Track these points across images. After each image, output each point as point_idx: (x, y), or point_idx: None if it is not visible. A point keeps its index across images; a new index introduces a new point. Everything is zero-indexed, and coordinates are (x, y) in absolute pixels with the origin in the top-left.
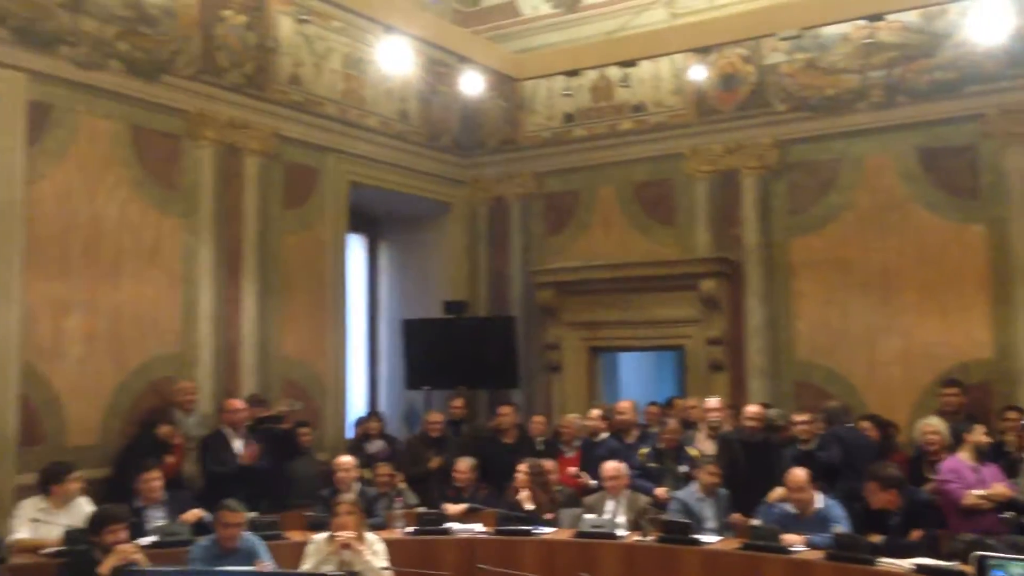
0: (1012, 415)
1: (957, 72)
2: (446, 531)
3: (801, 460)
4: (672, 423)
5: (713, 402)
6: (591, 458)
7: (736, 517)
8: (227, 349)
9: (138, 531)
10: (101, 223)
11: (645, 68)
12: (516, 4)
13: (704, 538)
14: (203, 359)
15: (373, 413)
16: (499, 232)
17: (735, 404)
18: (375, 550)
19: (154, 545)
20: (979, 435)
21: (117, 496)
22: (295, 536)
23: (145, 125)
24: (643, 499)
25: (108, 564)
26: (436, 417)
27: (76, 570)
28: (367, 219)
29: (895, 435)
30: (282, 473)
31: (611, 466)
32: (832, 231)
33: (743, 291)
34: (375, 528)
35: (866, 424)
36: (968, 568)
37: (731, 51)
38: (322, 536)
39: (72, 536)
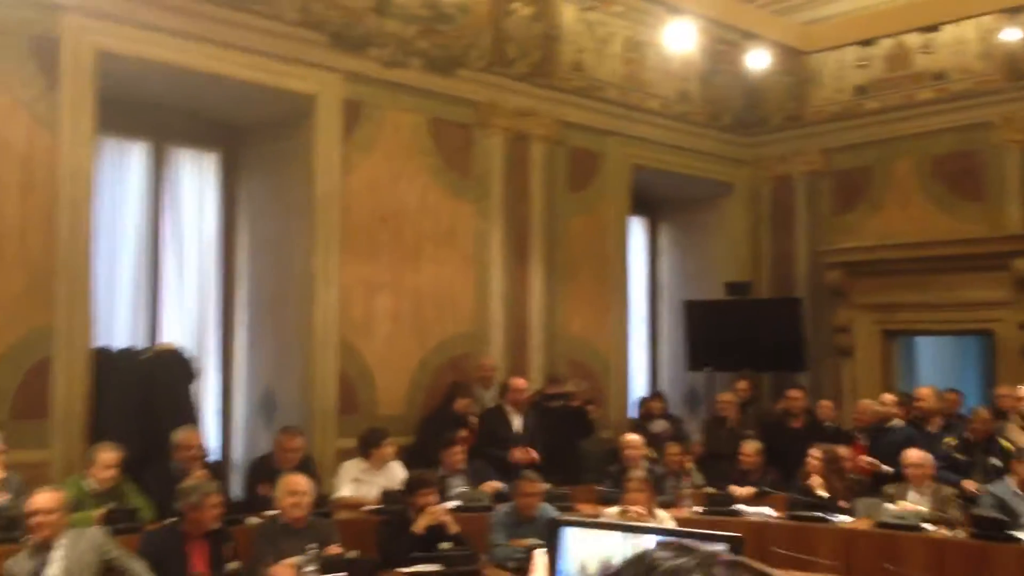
0: None
1: None
2: (735, 512)
3: None
4: (981, 412)
5: None
6: (881, 445)
7: None
8: (516, 328)
9: (442, 496)
10: (404, 209)
11: (947, 32)
12: None
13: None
14: (495, 338)
15: (656, 393)
16: (783, 211)
17: None
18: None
19: (458, 509)
20: None
21: (419, 462)
22: (586, 509)
23: (442, 117)
24: (948, 491)
25: (421, 523)
26: (728, 397)
27: (393, 527)
28: (648, 201)
29: None
30: (572, 450)
31: (915, 454)
32: None
33: None
34: (663, 506)
35: None
36: None
37: None
38: (614, 510)
39: (389, 496)
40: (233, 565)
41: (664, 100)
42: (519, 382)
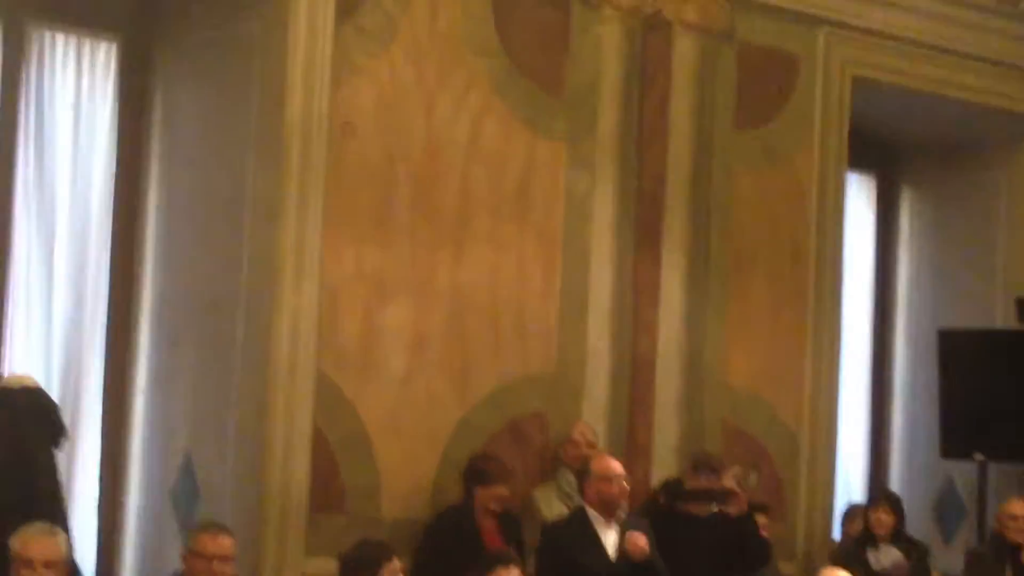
0: None
1: None
2: None
3: None
4: None
5: None
6: None
7: None
8: (632, 371)
9: None
10: (440, 151)
11: None
12: None
13: None
14: (594, 386)
15: (883, 497)
16: None
17: None
18: None
19: None
20: None
21: None
22: None
23: None
24: None
25: None
26: (1022, 510)
27: None
28: (878, 148)
29: None
30: None
31: None
32: None
33: None
34: None
35: None
36: None
37: None
38: None
39: None
40: None
41: None
42: (609, 465)
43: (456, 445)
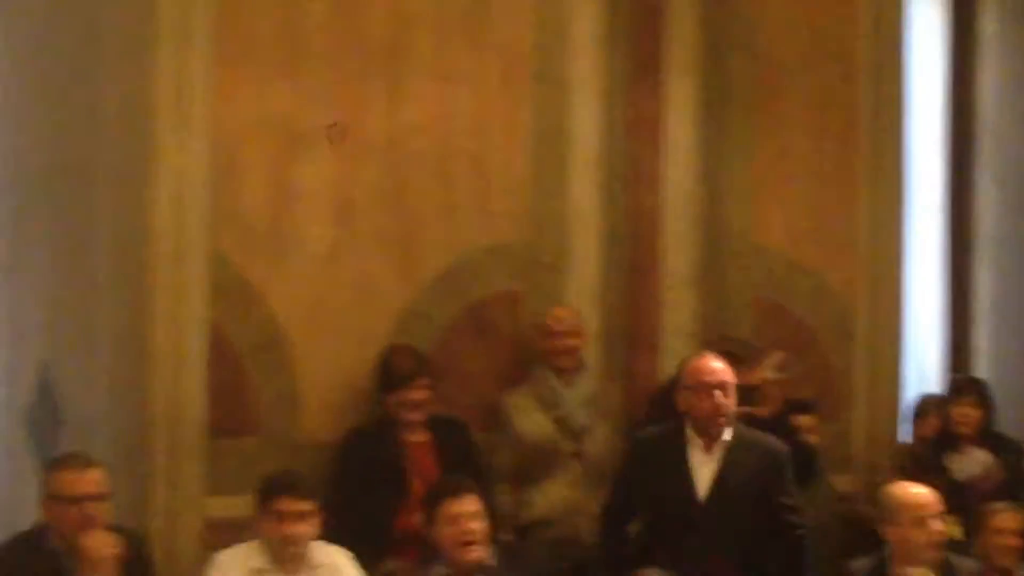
0: None
1: None
2: None
3: None
4: None
5: None
6: None
7: None
8: (630, 232)
9: None
10: None
11: None
12: None
13: None
14: (579, 256)
15: (966, 384)
16: None
17: None
18: None
19: None
20: None
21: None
22: None
23: None
24: None
25: None
26: None
27: None
28: None
29: None
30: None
31: None
32: None
33: None
34: None
35: None
36: None
37: None
38: None
39: None
40: None
41: None
42: (702, 366)
43: (401, 339)
